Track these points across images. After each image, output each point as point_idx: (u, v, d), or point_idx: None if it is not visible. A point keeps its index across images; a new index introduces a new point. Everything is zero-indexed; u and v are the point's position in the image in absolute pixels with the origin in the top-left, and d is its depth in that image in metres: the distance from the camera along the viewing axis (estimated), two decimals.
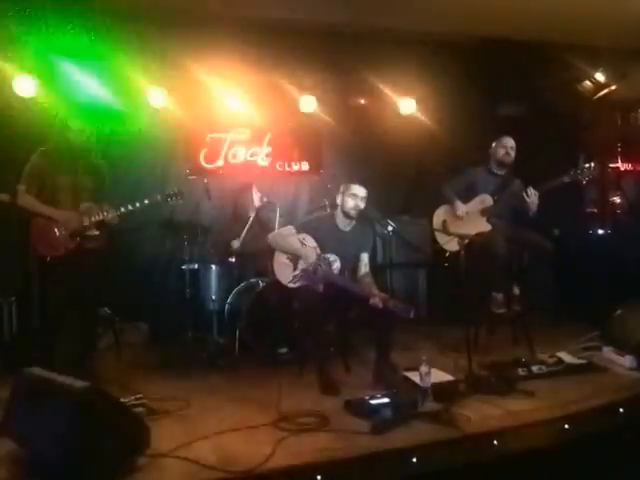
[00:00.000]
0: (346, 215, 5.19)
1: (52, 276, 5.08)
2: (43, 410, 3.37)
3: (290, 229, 5.30)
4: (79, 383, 3.42)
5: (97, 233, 5.12)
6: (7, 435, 3.56)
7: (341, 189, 5.22)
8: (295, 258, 5.19)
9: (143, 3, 5.74)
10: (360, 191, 5.12)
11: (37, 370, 3.71)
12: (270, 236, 5.39)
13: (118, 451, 3.29)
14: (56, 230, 4.97)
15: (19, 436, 3.49)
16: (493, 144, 6.16)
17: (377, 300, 4.69)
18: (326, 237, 5.18)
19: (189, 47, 6.20)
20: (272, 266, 5.35)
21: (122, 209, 5.14)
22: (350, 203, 5.12)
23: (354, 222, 5.26)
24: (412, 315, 4.51)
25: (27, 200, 4.99)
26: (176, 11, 5.79)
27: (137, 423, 3.52)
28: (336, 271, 5.10)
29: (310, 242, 5.15)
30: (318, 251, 5.12)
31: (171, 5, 5.73)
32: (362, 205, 5.13)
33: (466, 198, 6.12)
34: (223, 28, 5.89)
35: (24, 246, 5.18)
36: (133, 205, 5.17)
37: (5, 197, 5.76)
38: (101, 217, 5.08)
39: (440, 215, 6.22)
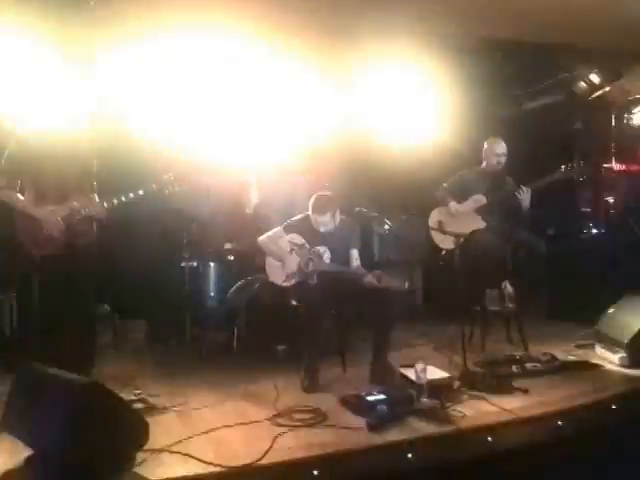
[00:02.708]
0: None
1: (42, 275, 4.76)
2: (43, 406, 3.37)
3: (279, 231, 5.34)
4: (79, 379, 3.44)
5: (86, 229, 4.80)
6: (8, 431, 3.55)
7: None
8: (284, 260, 5.24)
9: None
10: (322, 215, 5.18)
11: (38, 366, 3.70)
12: (260, 240, 5.39)
13: (117, 446, 3.30)
14: (43, 228, 4.61)
15: (19, 432, 3.48)
16: (485, 145, 6.21)
17: (371, 277, 4.77)
18: (310, 238, 5.24)
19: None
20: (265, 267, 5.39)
21: (115, 201, 4.78)
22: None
23: (335, 222, 5.24)
24: (406, 286, 4.55)
25: (8, 195, 4.61)
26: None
27: (136, 419, 3.52)
28: (327, 261, 5.15)
29: (298, 240, 5.21)
30: (307, 246, 5.17)
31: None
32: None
33: (461, 198, 6.19)
34: None
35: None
36: (126, 196, 4.80)
37: None
38: (91, 211, 4.74)
39: (435, 216, 6.26)
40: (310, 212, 5.19)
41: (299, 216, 5.42)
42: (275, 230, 5.39)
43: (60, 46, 5.88)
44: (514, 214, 6.04)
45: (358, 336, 5.82)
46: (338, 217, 5.23)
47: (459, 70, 6.95)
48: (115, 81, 6.53)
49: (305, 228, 5.28)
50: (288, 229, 5.32)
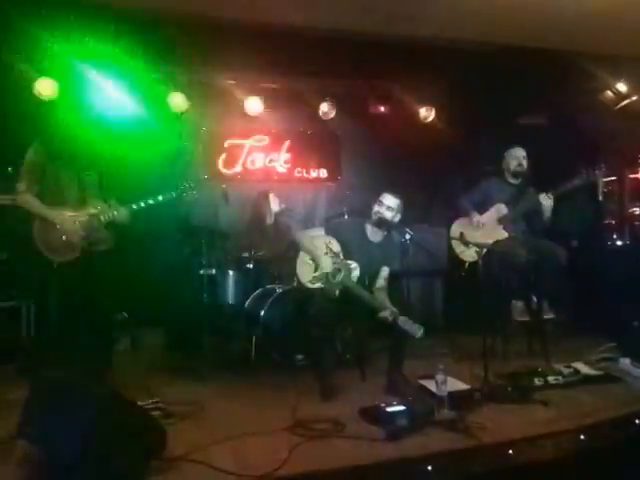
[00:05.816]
0: (371, 222, 5.19)
1: (61, 281, 4.78)
2: (60, 413, 3.34)
3: (319, 230, 5.33)
4: (96, 386, 3.44)
5: (106, 235, 4.88)
6: (24, 437, 3.53)
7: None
8: (317, 260, 5.19)
9: (164, 8, 5.65)
10: (388, 200, 5.09)
11: (54, 373, 3.72)
12: (298, 234, 5.40)
13: (135, 454, 3.28)
14: (62, 234, 4.69)
15: (36, 439, 3.42)
16: (505, 155, 6.18)
17: (388, 314, 4.65)
18: (353, 244, 5.16)
19: (209, 52, 6.21)
20: (295, 264, 5.35)
21: (133, 207, 4.87)
22: (375, 208, 5.11)
23: (384, 234, 5.23)
24: (419, 335, 4.46)
25: (28, 201, 4.66)
26: (197, 16, 5.75)
27: (154, 426, 3.52)
28: (354, 279, 5.08)
29: (335, 247, 5.13)
30: (341, 257, 5.10)
31: (192, 10, 5.69)
32: (387, 215, 5.08)
33: (482, 209, 6.16)
34: (242, 34, 5.86)
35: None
36: (145, 202, 4.89)
37: (6, 199, 5.46)
38: (110, 217, 4.82)
39: (457, 228, 6.24)
40: (378, 209, 5.10)
41: (347, 220, 5.37)
42: (316, 229, 5.38)
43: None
44: (535, 223, 6.01)
45: (378, 346, 5.77)
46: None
47: (484, 79, 6.91)
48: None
49: (354, 233, 5.24)
50: (329, 230, 5.30)
